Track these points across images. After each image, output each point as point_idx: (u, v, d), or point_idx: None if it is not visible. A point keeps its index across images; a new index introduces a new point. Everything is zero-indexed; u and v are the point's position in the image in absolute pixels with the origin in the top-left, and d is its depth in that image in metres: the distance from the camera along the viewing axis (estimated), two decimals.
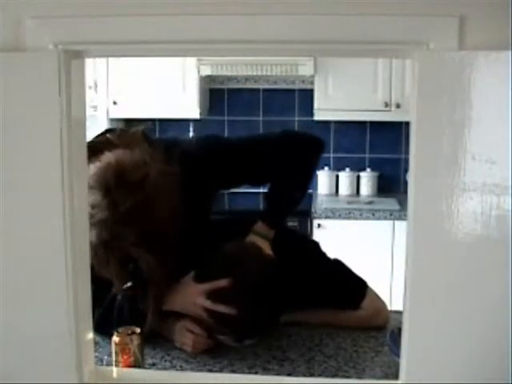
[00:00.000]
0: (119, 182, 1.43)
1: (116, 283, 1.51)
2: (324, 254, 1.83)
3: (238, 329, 1.58)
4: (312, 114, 3.71)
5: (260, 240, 1.68)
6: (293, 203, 1.80)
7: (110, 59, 3.49)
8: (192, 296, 1.57)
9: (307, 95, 3.76)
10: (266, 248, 1.67)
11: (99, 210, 1.41)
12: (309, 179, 1.84)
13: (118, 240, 1.44)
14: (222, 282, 1.53)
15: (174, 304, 1.60)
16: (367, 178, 3.86)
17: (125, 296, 1.53)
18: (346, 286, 1.77)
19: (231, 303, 1.52)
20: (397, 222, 3.35)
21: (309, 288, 1.73)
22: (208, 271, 1.59)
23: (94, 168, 1.44)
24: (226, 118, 3.97)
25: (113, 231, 1.43)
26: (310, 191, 3.88)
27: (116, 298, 1.54)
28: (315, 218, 3.42)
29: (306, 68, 3.51)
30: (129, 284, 1.53)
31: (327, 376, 1.47)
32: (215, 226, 1.83)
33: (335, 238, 3.26)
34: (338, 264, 1.80)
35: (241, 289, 1.53)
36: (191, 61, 3.54)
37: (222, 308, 1.53)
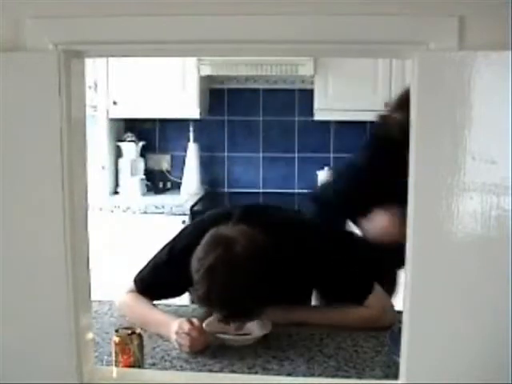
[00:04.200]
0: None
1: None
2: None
3: (224, 306, 1.57)
4: (312, 114, 3.71)
5: None
6: None
7: (110, 59, 3.49)
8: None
9: (307, 95, 3.76)
10: None
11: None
12: None
13: None
14: None
15: None
16: None
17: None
18: (351, 280, 1.78)
19: (219, 280, 1.53)
20: None
21: (312, 278, 1.73)
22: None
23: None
24: (225, 117, 3.96)
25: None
26: (310, 191, 3.88)
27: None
28: None
29: (305, 68, 3.51)
30: None
31: (327, 376, 1.47)
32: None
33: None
34: (345, 259, 1.81)
35: (228, 265, 1.53)
36: (191, 61, 3.53)
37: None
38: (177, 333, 1.61)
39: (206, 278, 1.54)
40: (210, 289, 1.53)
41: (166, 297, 1.84)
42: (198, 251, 1.59)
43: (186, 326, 1.61)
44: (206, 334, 1.62)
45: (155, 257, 1.83)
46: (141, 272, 1.84)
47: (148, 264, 1.84)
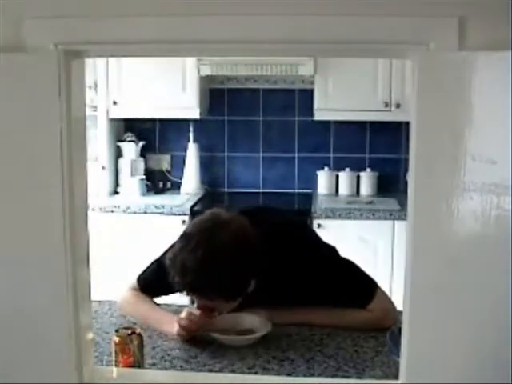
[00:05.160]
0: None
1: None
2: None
3: (183, 274, 1.57)
4: (312, 114, 3.71)
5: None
6: None
7: (110, 59, 3.49)
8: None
9: (307, 95, 3.75)
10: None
11: None
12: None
13: None
14: None
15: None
16: (367, 178, 3.85)
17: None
18: (354, 284, 1.77)
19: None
20: (397, 222, 3.34)
21: (313, 283, 1.73)
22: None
23: None
24: (225, 117, 3.96)
25: None
26: (310, 191, 3.88)
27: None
28: (315, 217, 3.42)
29: (305, 68, 3.51)
30: None
31: (327, 376, 1.48)
32: None
33: (335, 238, 3.24)
34: (347, 263, 1.81)
35: (206, 241, 1.55)
36: (191, 61, 3.53)
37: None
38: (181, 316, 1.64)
39: (180, 242, 1.59)
40: (178, 252, 1.57)
41: (168, 294, 1.85)
42: (191, 221, 1.68)
43: (193, 310, 1.64)
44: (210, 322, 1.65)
45: (159, 257, 1.83)
46: (145, 271, 1.86)
47: (152, 264, 1.85)
